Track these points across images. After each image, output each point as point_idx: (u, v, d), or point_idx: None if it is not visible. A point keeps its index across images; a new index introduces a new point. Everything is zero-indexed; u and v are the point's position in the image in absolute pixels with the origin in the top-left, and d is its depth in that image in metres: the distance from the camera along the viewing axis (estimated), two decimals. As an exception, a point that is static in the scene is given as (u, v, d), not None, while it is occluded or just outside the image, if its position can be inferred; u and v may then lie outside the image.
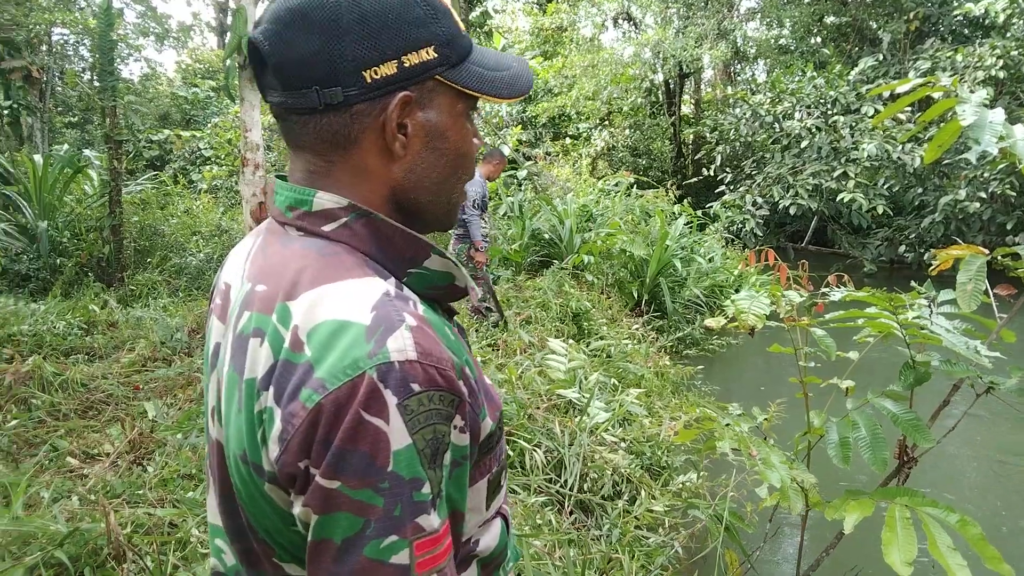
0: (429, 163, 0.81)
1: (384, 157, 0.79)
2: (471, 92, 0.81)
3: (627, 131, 16.33)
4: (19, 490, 2.73)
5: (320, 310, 0.69)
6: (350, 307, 0.68)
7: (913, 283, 2.47)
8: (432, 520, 0.67)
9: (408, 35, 0.75)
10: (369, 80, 0.74)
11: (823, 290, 2.47)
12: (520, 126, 14.89)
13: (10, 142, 10.49)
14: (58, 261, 7.46)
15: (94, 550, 2.41)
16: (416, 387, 0.65)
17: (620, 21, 16.85)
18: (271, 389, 0.68)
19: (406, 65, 0.75)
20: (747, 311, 2.39)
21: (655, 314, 7.60)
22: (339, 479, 0.63)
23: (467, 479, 0.74)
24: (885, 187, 11.67)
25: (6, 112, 10.92)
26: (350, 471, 0.63)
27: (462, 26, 0.83)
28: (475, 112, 0.87)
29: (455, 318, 0.91)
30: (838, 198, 11.49)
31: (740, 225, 12.23)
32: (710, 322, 2.57)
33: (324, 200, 0.77)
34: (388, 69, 0.74)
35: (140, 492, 2.91)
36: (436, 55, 0.77)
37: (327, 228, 0.77)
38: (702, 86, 18.27)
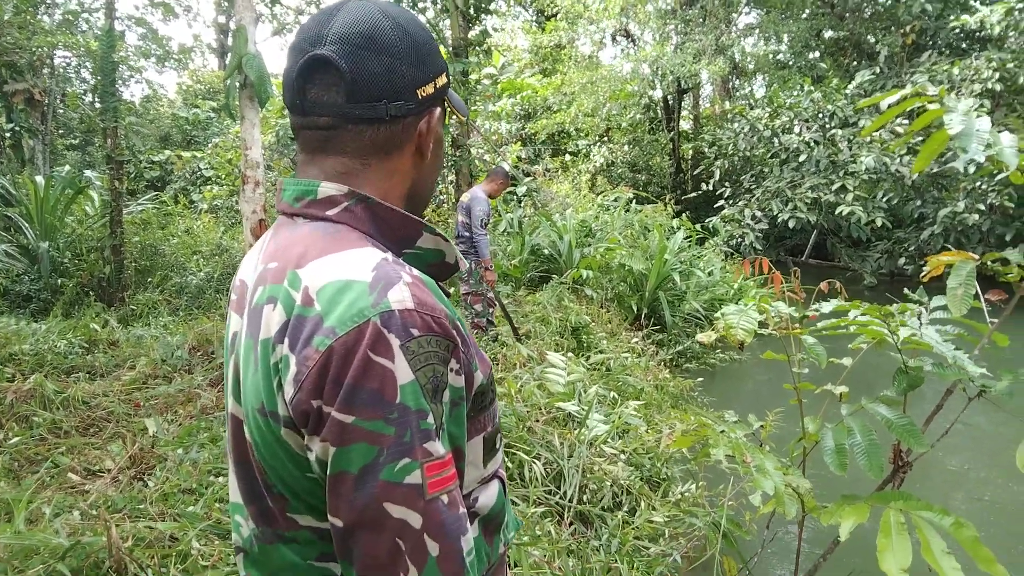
0: (432, 165, 0.98)
1: (415, 159, 0.94)
2: (455, 109, 1.00)
3: (626, 147, 16.41)
4: (21, 505, 2.75)
5: (327, 272, 0.79)
6: (353, 268, 0.78)
7: (906, 290, 2.50)
8: (438, 447, 0.75)
9: (436, 63, 0.92)
10: (420, 97, 0.90)
11: (814, 306, 2.49)
12: (519, 143, 14.99)
13: (12, 164, 10.56)
14: (59, 281, 7.51)
15: (96, 563, 2.42)
16: (415, 331, 0.75)
17: (618, 38, 16.98)
18: (286, 340, 0.77)
19: (438, 85, 0.93)
20: (735, 326, 2.42)
21: (655, 328, 7.62)
22: (353, 413, 0.72)
23: (465, 419, 0.83)
24: (884, 200, 11.70)
25: (8, 135, 11.00)
26: (362, 404, 0.72)
27: None
28: None
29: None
30: (837, 211, 11.53)
31: (739, 239, 12.27)
32: (702, 337, 2.60)
33: (328, 188, 0.88)
34: (430, 89, 0.91)
35: (141, 507, 2.92)
36: (446, 80, 0.95)
37: (330, 212, 0.87)
38: (700, 101, 18.38)
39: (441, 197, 12.09)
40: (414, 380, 0.73)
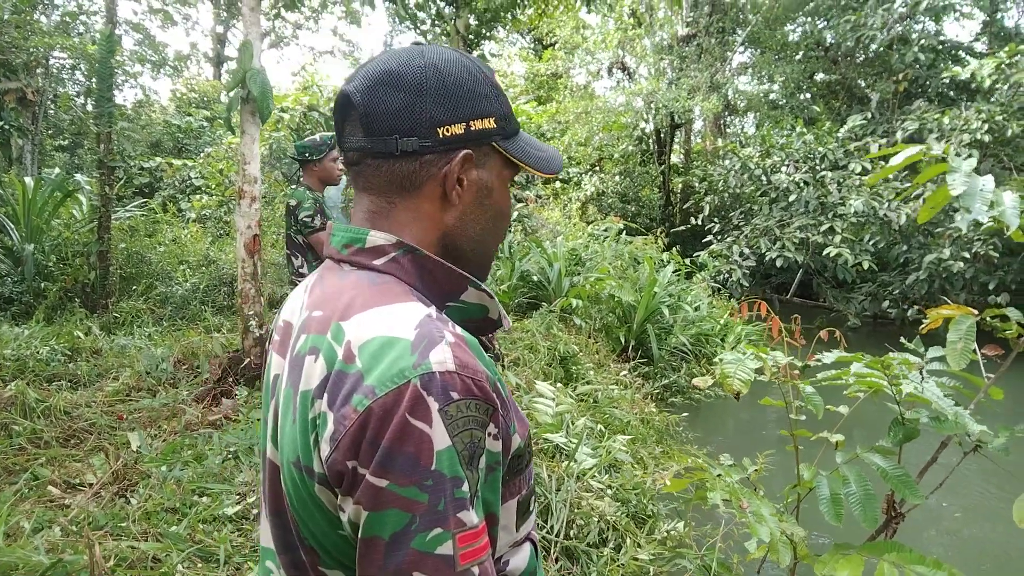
0: (475, 215, 0.94)
1: (440, 203, 0.91)
2: (517, 160, 0.95)
3: (617, 178, 16.49)
4: (-1, 518, 2.69)
5: (370, 328, 0.78)
6: (397, 325, 0.78)
7: (902, 340, 2.51)
8: (472, 516, 0.74)
9: (476, 106, 0.89)
10: (441, 136, 0.87)
11: (817, 357, 2.49)
12: (511, 168, 15.01)
13: (0, 163, 10.46)
14: (42, 285, 7.40)
15: (75, 583, 2.37)
16: (455, 395, 0.73)
17: (614, 70, 17.13)
18: (325, 396, 0.76)
19: (472, 129, 0.89)
20: (732, 376, 2.42)
21: (641, 360, 7.61)
22: (388, 477, 0.71)
23: (500, 485, 0.83)
24: (871, 243, 11.80)
25: (-3, 133, 10.90)
26: (397, 469, 0.70)
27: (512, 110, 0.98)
28: (514, 184, 0.96)
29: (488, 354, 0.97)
30: (824, 252, 11.62)
31: (727, 275, 12.33)
32: (698, 381, 2.59)
33: (376, 238, 0.88)
34: (457, 129, 0.88)
35: (123, 524, 2.86)
36: (495, 126, 0.92)
37: (377, 262, 0.87)
38: (692, 137, 18.54)
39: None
40: (451, 446, 0.72)
